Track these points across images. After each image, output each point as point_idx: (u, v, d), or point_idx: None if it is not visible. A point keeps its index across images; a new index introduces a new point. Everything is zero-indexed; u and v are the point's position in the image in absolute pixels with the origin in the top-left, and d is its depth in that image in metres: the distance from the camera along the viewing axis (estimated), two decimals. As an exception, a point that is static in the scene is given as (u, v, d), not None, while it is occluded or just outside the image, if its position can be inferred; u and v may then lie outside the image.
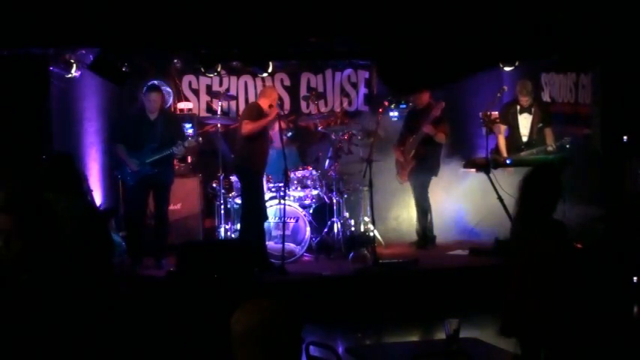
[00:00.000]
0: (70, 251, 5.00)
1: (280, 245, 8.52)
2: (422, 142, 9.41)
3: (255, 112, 8.63)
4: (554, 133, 9.10)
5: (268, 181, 9.08)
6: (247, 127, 8.49)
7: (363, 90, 10.99)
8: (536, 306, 4.61)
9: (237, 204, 9.22)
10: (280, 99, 10.41)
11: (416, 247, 9.52)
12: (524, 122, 9.24)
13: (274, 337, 2.60)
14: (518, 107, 9.26)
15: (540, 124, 9.15)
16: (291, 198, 9.30)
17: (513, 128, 9.29)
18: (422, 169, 9.50)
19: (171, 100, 10.35)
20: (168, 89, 10.28)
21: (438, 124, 9.31)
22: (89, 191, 8.72)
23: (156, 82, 9.61)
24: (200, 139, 8.91)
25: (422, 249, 9.43)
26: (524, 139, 9.23)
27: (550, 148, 8.97)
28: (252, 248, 8.22)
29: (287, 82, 10.71)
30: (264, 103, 8.70)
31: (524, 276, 4.69)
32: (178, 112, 10.19)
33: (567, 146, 8.80)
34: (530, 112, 9.22)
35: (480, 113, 9.31)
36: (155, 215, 8.73)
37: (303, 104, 10.61)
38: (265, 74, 9.32)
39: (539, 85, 9.95)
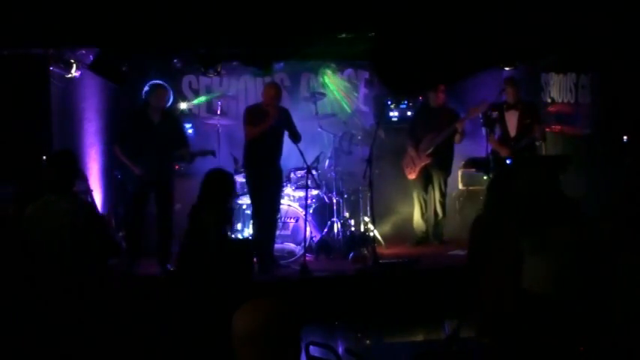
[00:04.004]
0: (70, 252, 5.00)
1: (281, 245, 8.56)
2: (442, 140, 9.51)
3: (252, 113, 8.64)
4: (542, 129, 9.22)
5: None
6: (248, 131, 8.54)
7: (363, 90, 10.99)
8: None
9: (237, 204, 9.22)
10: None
11: (415, 244, 9.65)
12: (512, 119, 9.35)
13: (276, 337, 2.60)
14: (505, 105, 9.38)
15: (528, 120, 9.24)
16: (291, 198, 9.32)
17: (502, 126, 9.41)
18: (440, 168, 9.68)
19: (171, 100, 10.35)
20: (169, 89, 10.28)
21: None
22: (89, 191, 8.71)
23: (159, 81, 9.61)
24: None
25: (422, 245, 9.56)
26: (512, 134, 9.33)
27: (537, 143, 9.26)
28: (257, 247, 8.27)
29: (287, 82, 10.71)
30: (263, 102, 8.72)
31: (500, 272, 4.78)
32: (179, 112, 10.20)
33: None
34: (516, 109, 9.32)
35: (480, 113, 9.33)
36: (158, 219, 8.57)
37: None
38: (265, 75, 9.33)
39: (539, 85, 9.96)
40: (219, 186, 6.10)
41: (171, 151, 8.51)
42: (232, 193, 6.36)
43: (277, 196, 8.82)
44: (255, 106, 8.89)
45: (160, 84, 8.88)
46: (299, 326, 2.66)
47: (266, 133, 8.55)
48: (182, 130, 8.95)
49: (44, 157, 7.74)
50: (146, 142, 8.36)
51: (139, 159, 8.32)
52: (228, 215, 6.29)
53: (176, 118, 9.08)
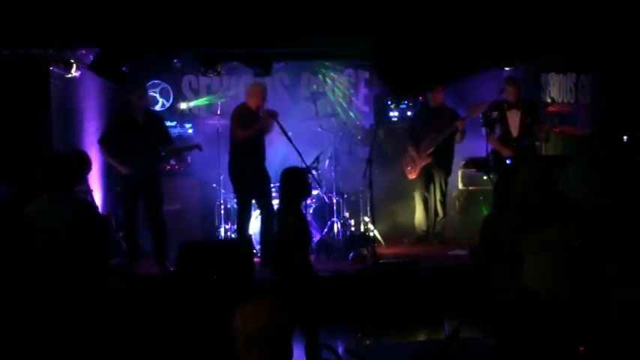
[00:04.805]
0: (64, 251, 4.99)
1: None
2: (443, 139, 9.51)
3: (244, 115, 8.62)
4: (544, 129, 9.20)
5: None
6: (241, 134, 8.51)
7: (363, 90, 11.00)
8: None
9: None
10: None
11: (415, 242, 9.68)
12: (514, 119, 9.33)
13: (275, 337, 2.61)
14: (506, 105, 9.37)
15: (529, 120, 9.23)
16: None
17: (503, 126, 9.39)
18: (440, 167, 9.70)
19: (171, 100, 10.36)
20: (168, 89, 10.30)
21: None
22: (89, 191, 8.71)
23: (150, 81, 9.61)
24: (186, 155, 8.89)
25: (422, 244, 9.58)
26: (515, 134, 9.32)
27: (538, 143, 9.29)
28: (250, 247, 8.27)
29: (287, 82, 10.71)
30: (252, 103, 8.69)
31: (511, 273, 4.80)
32: (178, 112, 10.20)
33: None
34: (517, 108, 9.30)
35: (480, 113, 9.33)
36: (150, 219, 8.49)
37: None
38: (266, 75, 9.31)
39: (539, 85, 9.96)
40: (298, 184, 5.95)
41: (156, 150, 8.49)
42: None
43: (268, 197, 8.78)
44: (244, 107, 8.80)
45: (141, 84, 8.84)
46: (295, 326, 2.67)
47: (253, 135, 8.55)
48: (166, 128, 8.91)
49: (39, 157, 7.73)
50: (132, 141, 8.32)
51: (126, 159, 8.30)
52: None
53: (159, 117, 9.03)
